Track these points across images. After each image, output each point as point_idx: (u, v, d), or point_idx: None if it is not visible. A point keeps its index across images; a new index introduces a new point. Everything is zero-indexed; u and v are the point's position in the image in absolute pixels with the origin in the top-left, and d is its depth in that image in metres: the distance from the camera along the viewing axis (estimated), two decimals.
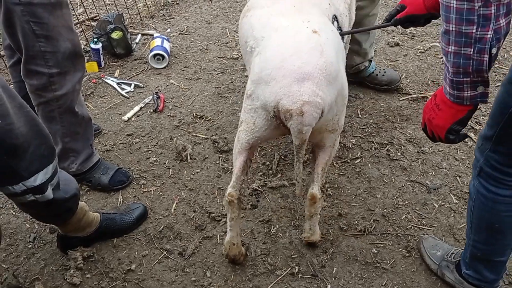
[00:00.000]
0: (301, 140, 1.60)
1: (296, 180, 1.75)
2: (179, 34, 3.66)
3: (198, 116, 2.81)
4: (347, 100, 1.77)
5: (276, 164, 2.46)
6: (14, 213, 2.27)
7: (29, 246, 2.13)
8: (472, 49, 1.21)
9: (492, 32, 1.18)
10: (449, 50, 1.25)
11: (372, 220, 2.15)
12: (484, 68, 1.23)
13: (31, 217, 2.23)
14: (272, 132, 1.72)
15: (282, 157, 2.51)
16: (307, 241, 2.03)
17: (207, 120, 2.79)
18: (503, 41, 1.26)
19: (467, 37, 1.19)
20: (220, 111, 2.85)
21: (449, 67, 1.28)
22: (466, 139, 2.49)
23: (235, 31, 3.64)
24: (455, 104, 1.36)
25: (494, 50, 1.21)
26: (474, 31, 1.18)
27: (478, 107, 1.54)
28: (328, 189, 2.29)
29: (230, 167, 2.45)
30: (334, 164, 2.43)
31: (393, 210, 2.19)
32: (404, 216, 2.16)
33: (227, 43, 3.50)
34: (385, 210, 2.19)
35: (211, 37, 3.58)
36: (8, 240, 2.15)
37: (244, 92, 2.98)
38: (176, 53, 3.40)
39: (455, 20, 1.20)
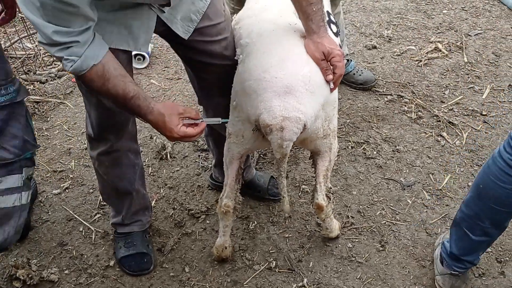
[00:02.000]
0: (282, 154, 1.57)
1: (281, 195, 1.71)
2: None
3: None
4: (337, 102, 1.75)
5: (256, 162, 2.49)
6: None
7: None
8: None
9: None
10: None
11: (348, 216, 2.20)
12: None
13: None
14: (261, 143, 1.70)
15: (261, 155, 2.55)
16: (328, 237, 2.07)
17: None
18: None
19: None
20: (200, 110, 2.87)
21: None
22: (439, 139, 2.56)
23: None
24: None
25: None
26: None
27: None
28: (305, 187, 2.34)
29: (210, 166, 2.48)
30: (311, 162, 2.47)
31: (368, 206, 2.24)
32: (379, 212, 2.21)
33: None
34: (360, 206, 2.24)
35: None
36: None
37: None
38: (157, 54, 3.42)
39: None
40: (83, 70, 1.38)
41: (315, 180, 1.85)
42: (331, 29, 1.77)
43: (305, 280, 1.95)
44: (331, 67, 1.57)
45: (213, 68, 1.75)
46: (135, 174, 1.95)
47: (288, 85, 1.49)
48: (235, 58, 1.73)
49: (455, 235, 1.79)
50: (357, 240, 2.10)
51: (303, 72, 1.52)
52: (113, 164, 1.87)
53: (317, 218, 2.13)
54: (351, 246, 2.07)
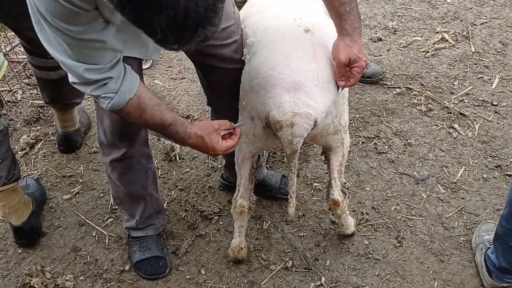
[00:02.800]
0: (292, 150, 1.56)
1: (289, 195, 1.68)
2: None
3: (185, 116, 2.80)
4: (347, 97, 1.72)
5: (266, 161, 2.46)
6: (1, 219, 2.24)
7: (19, 251, 2.10)
8: None
9: None
10: None
11: (362, 213, 2.18)
12: None
13: None
14: (273, 140, 1.69)
15: (271, 154, 2.52)
16: (344, 234, 2.05)
17: (194, 120, 2.78)
18: None
19: None
20: (206, 110, 2.85)
21: None
22: (451, 131, 2.54)
23: None
24: None
25: None
26: None
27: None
28: (318, 184, 2.32)
29: (219, 166, 2.45)
30: (323, 159, 2.44)
31: (383, 202, 2.22)
32: (394, 207, 2.19)
33: None
34: (374, 202, 2.22)
35: None
36: None
37: None
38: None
39: None
40: (121, 105, 1.38)
41: (330, 176, 1.83)
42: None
43: (323, 279, 1.93)
44: (349, 74, 1.54)
45: (222, 71, 1.72)
46: (147, 179, 1.92)
47: (296, 80, 1.48)
48: (243, 58, 1.70)
49: (500, 249, 1.76)
50: (373, 237, 2.08)
51: (310, 68, 1.51)
52: (126, 170, 1.84)
53: (332, 215, 2.11)
54: (367, 243, 2.05)
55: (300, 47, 1.54)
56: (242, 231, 1.91)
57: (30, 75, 3.16)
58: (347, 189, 1.92)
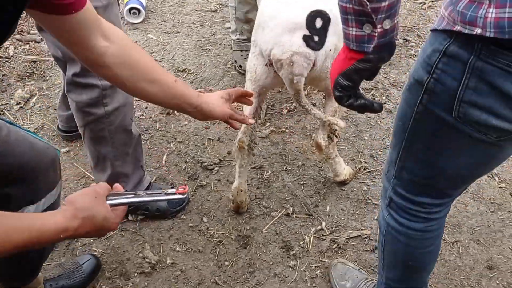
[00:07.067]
0: (295, 89, 1.61)
1: (313, 115, 1.69)
2: None
3: (181, 70, 2.78)
4: None
5: (264, 114, 2.47)
6: None
7: None
8: None
9: None
10: None
11: (361, 161, 2.21)
12: None
13: None
14: (273, 80, 1.72)
15: (269, 106, 2.52)
16: (336, 182, 2.09)
17: (190, 73, 2.76)
18: None
19: None
20: (202, 64, 2.82)
21: None
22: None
23: None
24: (346, 47, 0.99)
25: None
26: None
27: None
28: None
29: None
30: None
31: (381, 150, 2.25)
32: None
33: None
34: (373, 151, 2.25)
35: None
36: None
37: (225, 44, 2.96)
38: (152, 7, 3.31)
39: None
40: None
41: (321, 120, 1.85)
42: None
43: (323, 223, 1.97)
44: None
45: None
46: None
47: (298, 22, 1.53)
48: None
49: None
50: (372, 183, 2.12)
51: (314, 9, 1.53)
52: None
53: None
54: (366, 189, 2.09)
55: None
56: (242, 171, 1.92)
57: (20, 30, 3.09)
58: (336, 136, 1.92)
